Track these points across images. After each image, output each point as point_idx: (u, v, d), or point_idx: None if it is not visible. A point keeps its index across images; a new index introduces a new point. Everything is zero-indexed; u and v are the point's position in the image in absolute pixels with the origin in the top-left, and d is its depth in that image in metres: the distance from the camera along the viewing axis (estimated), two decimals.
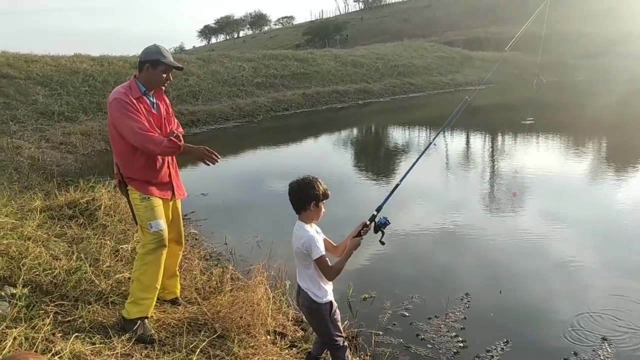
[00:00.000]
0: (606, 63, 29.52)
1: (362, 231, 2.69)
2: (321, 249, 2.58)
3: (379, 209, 2.75)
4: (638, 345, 3.42)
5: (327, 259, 2.61)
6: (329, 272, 2.61)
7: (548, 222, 5.99)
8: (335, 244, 2.77)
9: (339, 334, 2.74)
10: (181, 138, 3.28)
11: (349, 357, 2.81)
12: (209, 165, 3.29)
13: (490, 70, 26.96)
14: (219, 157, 3.28)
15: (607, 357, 3.26)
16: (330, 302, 2.68)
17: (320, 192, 2.63)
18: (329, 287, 2.68)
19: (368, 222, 2.71)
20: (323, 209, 2.69)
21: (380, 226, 2.69)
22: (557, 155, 10.48)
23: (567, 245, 5.18)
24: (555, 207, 6.62)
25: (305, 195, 2.62)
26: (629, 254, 4.97)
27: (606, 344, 3.41)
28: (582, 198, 7.16)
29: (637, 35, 31.84)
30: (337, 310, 2.74)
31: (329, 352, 2.85)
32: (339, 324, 2.76)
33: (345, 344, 2.78)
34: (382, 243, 2.72)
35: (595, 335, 3.53)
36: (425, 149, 3.27)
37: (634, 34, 32.20)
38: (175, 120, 3.50)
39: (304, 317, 2.90)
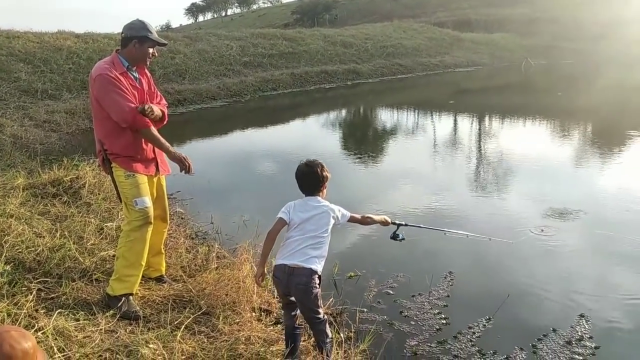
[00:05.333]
0: (596, 48, 29.63)
1: (386, 221, 3.10)
2: None
3: (405, 225, 3.18)
4: (613, 322, 3.51)
5: None
6: (365, 220, 2.97)
7: (534, 203, 6.05)
8: None
9: (321, 308, 2.78)
10: (147, 113, 3.14)
11: (329, 329, 2.84)
12: (182, 172, 3.30)
13: (479, 53, 26.91)
14: (194, 171, 3.33)
15: (585, 333, 3.33)
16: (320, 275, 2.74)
17: (329, 173, 2.85)
18: None
19: (392, 225, 3.13)
20: None
21: (396, 237, 3.12)
22: (533, 139, 10.57)
23: (551, 227, 5.25)
24: (542, 188, 6.69)
25: (322, 177, 2.79)
26: (611, 238, 5.04)
27: (583, 321, 3.49)
28: (571, 181, 7.24)
29: (628, 22, 31.93)
30: None
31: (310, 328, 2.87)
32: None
33: (325, 317, 2.81)
34: (393, 239, 3.14)
35: (573, 313, 3.60)
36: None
37: (625, 20, 32.29)
38: (159, 94, 3.46)
39: (286, 300, 2.81)
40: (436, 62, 26.08)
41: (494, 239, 4.19)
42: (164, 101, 3.47)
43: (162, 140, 3.26)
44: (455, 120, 13.23)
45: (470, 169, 8.16)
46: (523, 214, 5.66)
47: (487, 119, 13.48)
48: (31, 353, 1.43)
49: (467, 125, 12.85)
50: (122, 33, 3.22)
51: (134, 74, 3.25)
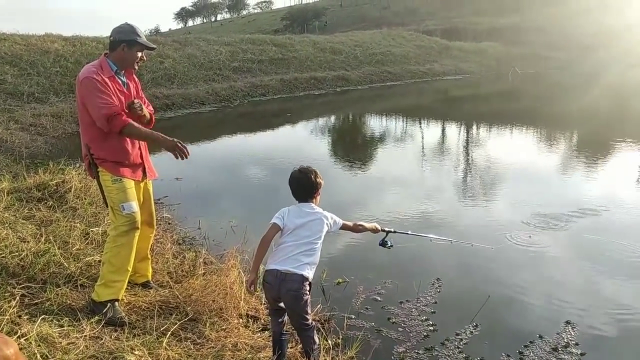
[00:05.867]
0: (584, 58, 30.06)
1: (376, 229, 3.11)
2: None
3: (394, 232, 3.19)
4: (599, 329, 3.54)
5: None
6: (356, 227, 2.99)
7: (521, 210, 6.09)
8: None
9: (310, 315, 2.77)
10: (136, 108, 3.14)
11: (317, 336, 2.83)
12: (177, 158, 3.18)
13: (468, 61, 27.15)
14: (189, 153, 3.19)
15: (571, 340, 3.35)
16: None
17: (322, 180, 2.87)
18: None
19: (382, 232, 3.14)
20: None
21: (384, 244, 3.15)
22: (519, 146, 10.68)
23: (536, 235, 5.29)
24: (528, 195, 6.75)
25: (316, 184, 2.81)
26: (598, 243, 5.09)
27: (569, 327, 3.51)
28: (557, 187, 7.31)
29: (616, 33, 32.45)
30: None
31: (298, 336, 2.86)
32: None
33: (313, 323, 2.80)
34: (382, 246, 3.17)
35: (559, 319, 3.63)
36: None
37: (613, 31, 32.82)
38: (145, 100, 3.44)
39: (276, 305, 2.80)
40: (425, 70, 26.29)
41: (475, 244, 4.22)
42: (150, 107, 3.46)
43: (148, 131, 3.21)
44: (443, 128, 13.33)
45: (458, 176, 8.21)
46: (510, 220, 5.69)
47: (474, 126, 13.59)
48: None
49: (454, 132, 12.95)
50: (110, 36, 3.19)
51: (122, 78, 3.23)
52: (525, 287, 4.18)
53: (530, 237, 5.17)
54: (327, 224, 2.77)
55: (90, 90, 3.02)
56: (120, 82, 3.19)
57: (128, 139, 3.20)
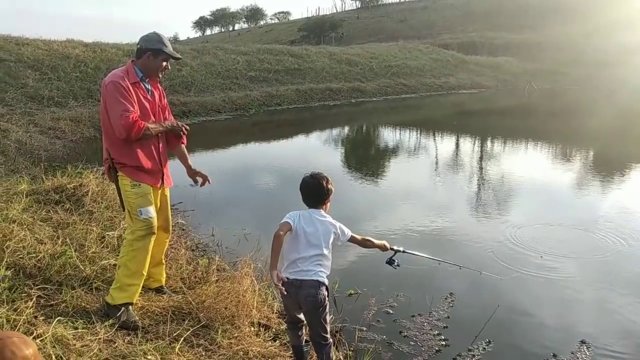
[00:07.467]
0: (600, 75, 29.83)
1: (385, 247, 3.05)
2: None
3: (403, 251, 3.13)
4: (615, 348, 3.48)
5: None
6: (364, 242, 2.94)
7: (535, 227, 6.03)
8: None
9: (329, 326, 2.77)
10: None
11: (333, 354, 2.82)
12: (181, 134, 3.42)
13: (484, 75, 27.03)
14: (187, 128, 3.45)
15: (585, 359, 3.31)
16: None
17: (333, 187, 2.85)
18: None
19: (390, 250, 3.08)
20: None
21: (391, 263, 3.09)
22: (534, 163, 10.59)
23: (551, 251, 5.23)
24: (542, 214, 6.68)
25: (327, 190, 2.80)
26: (609, 263, 5.02)
27: (584, 347, 3.46)
28: (570, 206, 7.23)
29: (633, 51, 32.13)
30: None
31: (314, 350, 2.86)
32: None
33: (331, 340, 2.79)
34: (389, 264, 3.11)
35: (574, 338, 3.58)
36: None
37: (630, 49, 32.51)
38: (168, 108, 3.51)
39: (294, 317, 2.82)
40: (440, 83, 26.23)
41: (484, 273, 4.18)
42: (170, 115, 3.53)
43: (158, 124, 3.29)
44: (457, 142, 13.28)
45: (471, 192, 8.15)
46: (522, 239, 5.62)
47: (489, 141, 13.52)
48: None
49: (469, 146, 12.89)
50: (137, 44, 3.26)
51: (147, 85, 3.29)
52: (539, 305, 4.13)
53: (541, 257, 5.10)
54: (334, 232, 2.75)
55: (112, 94, 3.07)
56: (144, 88, 3.25)
57: (148, 146, 3.24)
